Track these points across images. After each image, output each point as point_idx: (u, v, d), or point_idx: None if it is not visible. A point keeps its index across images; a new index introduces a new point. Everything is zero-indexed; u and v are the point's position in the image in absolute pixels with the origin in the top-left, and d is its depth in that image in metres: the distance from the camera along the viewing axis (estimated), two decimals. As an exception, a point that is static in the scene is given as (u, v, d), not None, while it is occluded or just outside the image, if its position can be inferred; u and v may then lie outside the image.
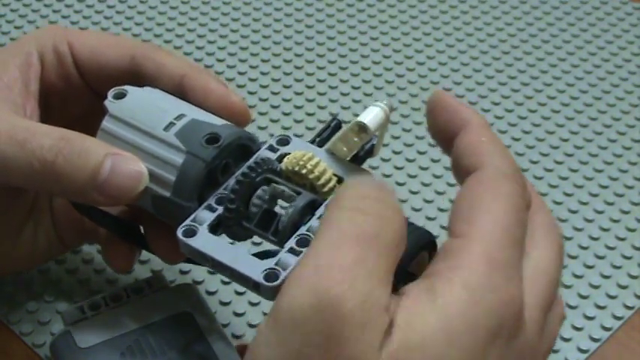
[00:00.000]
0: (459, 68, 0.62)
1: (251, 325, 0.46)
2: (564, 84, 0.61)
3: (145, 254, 0.47)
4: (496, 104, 0.60)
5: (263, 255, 0.40)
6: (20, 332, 0.46)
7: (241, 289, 0.48)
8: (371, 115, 0.39)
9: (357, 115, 0.39)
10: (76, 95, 0.45)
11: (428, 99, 0.38)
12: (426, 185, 0.54)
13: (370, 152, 0.41)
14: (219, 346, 0.41)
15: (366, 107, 0.39)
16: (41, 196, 0.45)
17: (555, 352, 0.46)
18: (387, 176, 0.55)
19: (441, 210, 0.53)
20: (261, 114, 0.58)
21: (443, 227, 0.52)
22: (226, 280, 0.48)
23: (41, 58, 0.44)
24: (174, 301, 0.43)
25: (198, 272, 0.48)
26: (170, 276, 0.48)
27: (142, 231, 0.44)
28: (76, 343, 0.41)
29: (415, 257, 0.36)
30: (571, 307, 0.48)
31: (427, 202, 0.53)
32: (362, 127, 0.39)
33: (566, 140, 0.57)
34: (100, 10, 0.66)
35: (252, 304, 0.47)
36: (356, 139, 0.39)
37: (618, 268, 0.50)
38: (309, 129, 0.57)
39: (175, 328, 0.42)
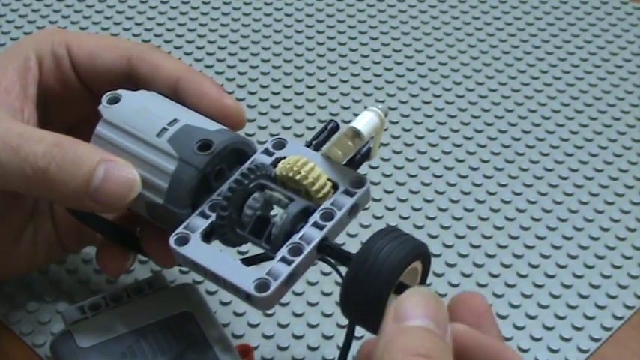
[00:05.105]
0: (459, 68, 0.62)
1: (251, 325, 0.46)
2: (564, 84, 0.61)
3: (145, 254, 0.47)
4: (496, 104, 0.60)
5: (256, 259, 0.40)
6: (20, 332, 0.46)
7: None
8: (364, 121, 0.39)
9: (357, 115, 0.39)
10: (74, 98, 0.45)
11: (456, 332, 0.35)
12: (426, 185, 0.54)
13: (367, 156, 0.41)
14: (219, 346, 0.41)
15: (363, 110, 0.39)
16: (42, 201, 0.45)
17: (555, 351, 0.46)
18: (387, 176, 0.55)
19: (441, 210, 0.53)
20: (261, 114, 0.58)
21: (443, 227, 0.52)
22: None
23: (39, 61, 0.44)
24: (174, 301, 0.43)
25: (199, 272, 0.48)
26: (170, 276, 0.48)
27: (138, 234, 0.44)
28: (76, 342, 0.41)
29: (407, 267, 0.36)
30: (571, 307, 0.48)
31: (427, 202, 0.53)
32: (355, 133, 0.38)
33: (566, 140, 0.57)
34: (100, 10, 0.66)
35: (252, 304, 0.47)
36: (350, 144, 0.39)
37: (618, 268, 0.50)
38: (309, 129, 0.57)
39: (175, 328, 0.42)
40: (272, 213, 0.39)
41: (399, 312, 0.33)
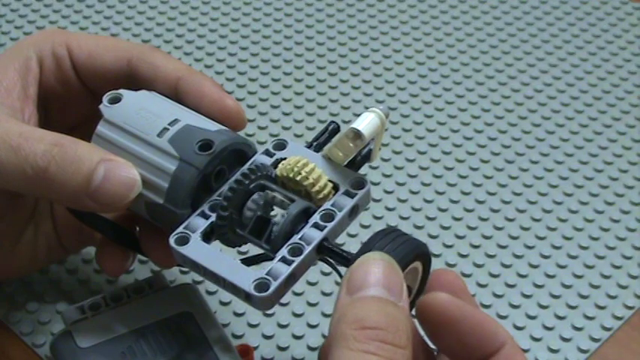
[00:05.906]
0: (459, 68, 0.62)
1: (251, 325, 0.46)
2: (564, 84, 0.62)
3: (145, 254, 0.47)
4: (496, 104, 0.60)
5: (256, 259, 0.40)
6: (20, 332, 0.46)
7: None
8: (366, 122, 0.38)
9: (357, 116, 0.39)
10: (75, 99, 0.45)
11: (431, 304, 0.35)
12: (426, 185, 0.54)
13: (367, 157, 0.41)
14: (219, 346, 0.41)
15: (363, 111, 0.39)
16: (42, 201, 0.45)
17: (555, 352, 0.46)
18: (387, 176, 0.55)
19: (441, 210, 0.53)
20: (261, 114, 0.58)
21: (443, 227, 0.52)
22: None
23: (40, 62, 0.44)
24: (174, 301, 0.43)
25: (199, 272, 0.48)
26: (170, 276, 0.48)
27: (137, 234, 0.44)
28: (76, 343, 0.41)
29: (406, 267, 0.36)
30: (571, 307, 0.48)
31: (427, 202, 0.53)
32: (356, 134, 0.38)
33: (566, 140, 0.57)
34: (100, 10, 0.66)
35: (252, 304, 0.47)
36: (351, 145, 0.39)
37: (618, 268, 0.50)
38: (309, 129, 0.57)
39: (176, 328, 0.42)
40: (272, 213, 0.39)
41: (351, 283, 0.33)
